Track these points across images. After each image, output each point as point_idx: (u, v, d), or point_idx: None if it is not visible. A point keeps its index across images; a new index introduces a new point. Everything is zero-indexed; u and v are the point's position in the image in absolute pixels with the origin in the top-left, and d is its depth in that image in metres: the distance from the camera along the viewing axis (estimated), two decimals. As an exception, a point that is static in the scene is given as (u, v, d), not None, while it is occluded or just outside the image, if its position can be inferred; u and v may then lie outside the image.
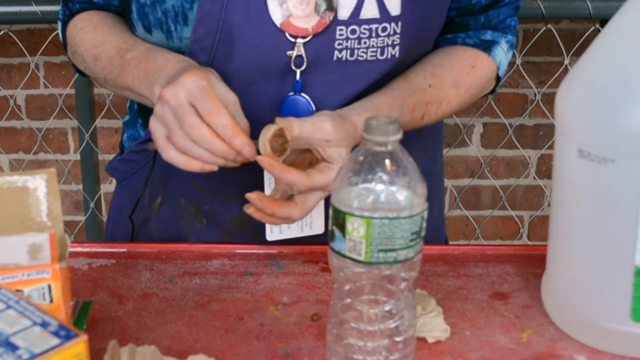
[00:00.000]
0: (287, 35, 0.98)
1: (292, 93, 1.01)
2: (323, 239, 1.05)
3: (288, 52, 0.99)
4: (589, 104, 0.80)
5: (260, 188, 0.99)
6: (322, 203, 1.02)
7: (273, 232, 1.05)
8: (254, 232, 1.07)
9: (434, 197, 1.16)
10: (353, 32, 0.98)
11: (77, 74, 1.54)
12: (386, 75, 1.02)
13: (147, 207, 1.15)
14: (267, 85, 1.00)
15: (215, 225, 1.10)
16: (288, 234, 1.05)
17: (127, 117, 1.20)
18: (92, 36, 1.08)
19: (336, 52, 0.99)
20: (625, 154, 0.78)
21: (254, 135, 0.92)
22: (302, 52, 0.99)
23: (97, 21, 1.09)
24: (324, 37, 0.98)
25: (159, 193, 1.13)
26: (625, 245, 0.80)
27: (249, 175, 1.00)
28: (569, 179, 0.83)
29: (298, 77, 1.00)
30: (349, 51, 0.99)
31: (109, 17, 1.10)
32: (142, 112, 1.15)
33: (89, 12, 1.11)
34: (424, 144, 1.15)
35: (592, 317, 0.84)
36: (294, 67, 0.99)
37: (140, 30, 1.03)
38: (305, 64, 0.99)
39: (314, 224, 1.06)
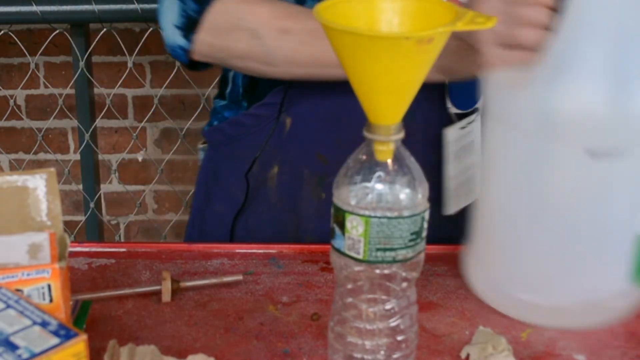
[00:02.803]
0: None
1: None
2: None
3: None
4: None
5: None
6: None
7: None
8: None
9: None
10: None
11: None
12: None
13: (259, 174, 1.13)
14: None
15: None
16: None
17: (222, 102, 1.17)
18: (270, 10, 1.00)
19: None
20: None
21: None
22: None
23: None
24: None
25: (274, 162, 1.11)
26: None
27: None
28: (498, 157, 0.90)
29: None
30: None
31: None
32: (249, 95, 1.12)
33: None
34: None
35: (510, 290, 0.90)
36: None
37: None
38: None
39: None
